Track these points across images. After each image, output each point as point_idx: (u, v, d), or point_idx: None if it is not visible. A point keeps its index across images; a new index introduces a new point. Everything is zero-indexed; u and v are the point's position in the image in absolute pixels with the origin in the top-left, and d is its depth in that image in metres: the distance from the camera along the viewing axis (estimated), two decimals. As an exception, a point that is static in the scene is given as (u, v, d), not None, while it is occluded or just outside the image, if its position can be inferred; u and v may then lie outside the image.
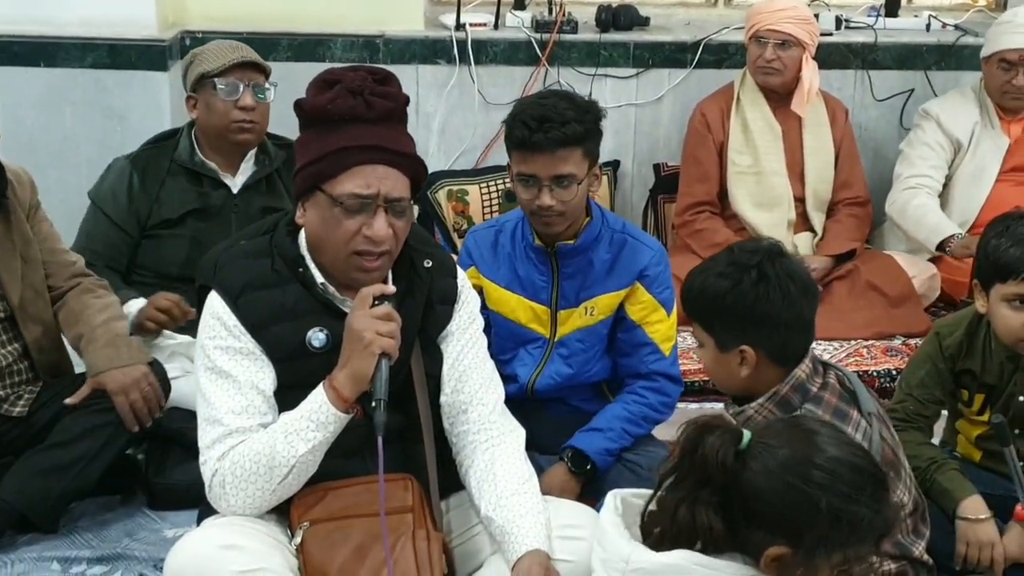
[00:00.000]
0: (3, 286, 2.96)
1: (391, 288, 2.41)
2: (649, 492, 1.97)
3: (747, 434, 1.82)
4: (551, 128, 2.89)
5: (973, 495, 2.81)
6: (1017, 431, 2.84)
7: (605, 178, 4.57)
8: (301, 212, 2.43)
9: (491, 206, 4.52)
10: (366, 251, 2.37)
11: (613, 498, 1.95)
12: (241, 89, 3.46)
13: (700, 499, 1.81)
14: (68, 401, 2.93)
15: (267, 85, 3.51)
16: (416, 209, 2.50)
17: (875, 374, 3.85)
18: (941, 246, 4.17)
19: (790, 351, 2.38)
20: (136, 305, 3.31)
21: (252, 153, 3.58)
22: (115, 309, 3.10)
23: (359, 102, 2.33)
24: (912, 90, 4.76)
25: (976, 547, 2.79)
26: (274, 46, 4.42)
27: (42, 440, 2.94)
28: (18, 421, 3.00)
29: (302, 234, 2.47)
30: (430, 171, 4.49)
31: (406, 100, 2.44)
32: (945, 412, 3.05)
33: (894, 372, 3.80)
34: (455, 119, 4.65)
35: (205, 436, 2.40)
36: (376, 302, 2.35)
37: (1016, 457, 2.47)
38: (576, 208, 2.97)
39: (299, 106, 2.41)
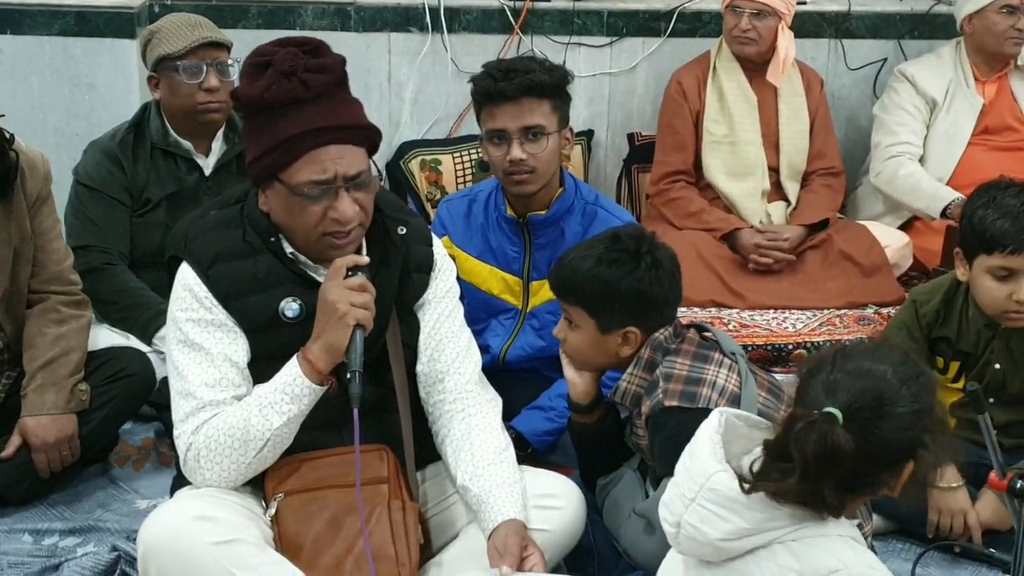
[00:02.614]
0: None
1: (365, 259, 2.40)
2: (754, 418, 2.00)
3: (834, 411, 1.81)
4: (515, 76, 2.95)
5: (946, 464, 2.83)
6: (992, 399, 2.86)
7: (579, 147, 4.57)
8: (263, 200, 2.41)
9: (464, 176, 4.50)
10: (336, 231, 2.36)
11: (719, 415, 1.95)
12: (205, 70, 3.40)
13: (819, 483, 1.82)
14: (3, 454, 2.89)
15: (230, 61, 3.45)
16: (382, 176, 2.48)
17: (848, 343, 3.86)
18: (943, 212, 4.16)
19: (662, 327, 2.52)
20: None
21: (220, 132, 3.55)
22: (68, 341, 2.98)
23: (295, 84, 2.29)
24: (885, 59, 4.77)
25: (948, 515, 2.82)
26: (243, 14, 4.37)
27: (13, 422, 2.93)
28: None
29: None
30: (403, 141, 4.53)
31: (341, 64, 2.38)
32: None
33: (867, 341, 3.81)
34: (428, 88, 4.62)
35: (179, 410, 2.39)
36: (350, 273, 2.35)
37: (991, 425, 2.47)
38: (548, 166, 2.99)
39: (235, 97, 2.39)
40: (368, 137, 2.41)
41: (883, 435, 1.82)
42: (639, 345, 2.51)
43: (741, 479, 1.85)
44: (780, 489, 1.81)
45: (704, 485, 1.86)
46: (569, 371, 2.64)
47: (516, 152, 2.95)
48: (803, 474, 1.79)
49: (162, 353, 3.06)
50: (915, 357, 1.94)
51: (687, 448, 1.95)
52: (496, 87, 2.95)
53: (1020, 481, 2.39)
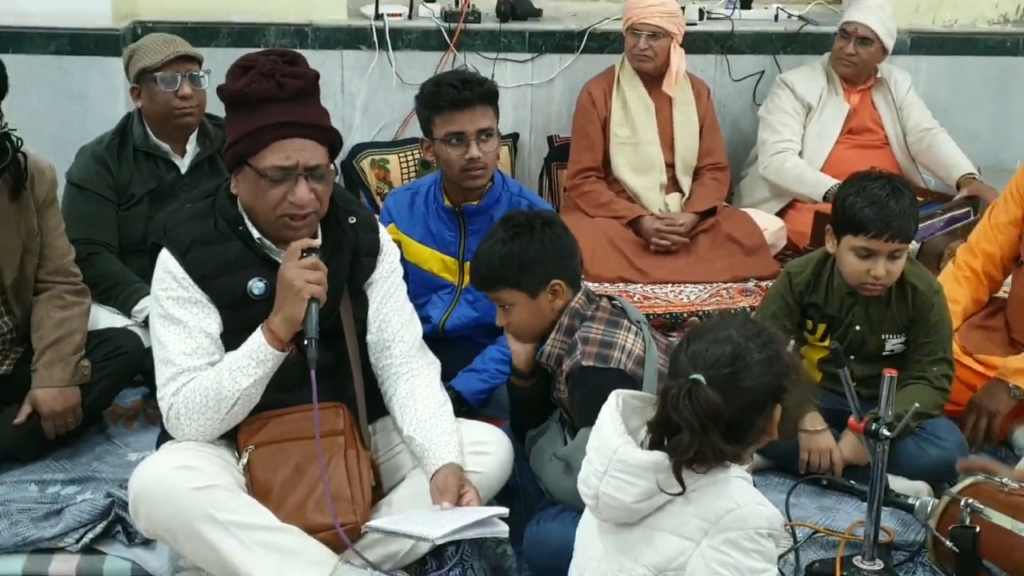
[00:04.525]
0: (1, 267, 2.84)
1: (316, 241, 2.40)
2: (648, 396, 1.98)
3: (697, 376, 1.82)
4: (475, 86, 2.96)
5: (812, 411, 2.87)
6: (852, 356, 2.90)
7: (506, 148, 4.56)
8: (234, 184, 2.39)
9: (408, 172, 4.48)
10: (292, 214, 2.34)
11: (616, 397, 1.95)
12: (179, 80, 3.36)
13: (708, 437, 1.80)
14: (16, 422, 2.84)
15: (201, 73, 3.41)
16: (337, 173, 2.47)
17: (733, 311, 3.90)
18: (824, 195, 4.22)
19: (577, 273, 2.54)
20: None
21: (194, 136, 3.50)
22: (71, 324, 2.93)
23: (272, 84, 2.29)
24: (763, 72, 4.80)
25: (816, 454, 2.86)
26: (215, 34, 4.34)
27: (22, 392, 2.87)
28: (2, 377, 2.92)
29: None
30: (355, 143, 4.51)
31: (315, 76, 2.39)
32: (793, 341, 3.10)
33: (748, 309, 3.85)
34: (376, 98, 4.60)
35: (161, 375, 2.37)
36: (304, 254, 2.33)
37: (850, 377, 2.51)
38: (495, 162, 3.03)
39: (220, 91, 2.38)
40: (328, 138, 2.40)
41: (746, 384, 1.83)
42: (567, 298, 2.50)
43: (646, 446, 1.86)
44: (680, 453, 1.80)
45: (612, 458, 1.85)
46: (514, 345, 2.62)
47: (474, 151, 2.94)
48: (692, 434, 1.78)
49: (143, 325, 3.04)
50: (755, 319, 1.96)
51: (594, 429, 1.94)
52: (460, 95, 2.93)
53: (875, 424, 2.44)
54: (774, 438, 1.91)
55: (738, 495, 1.84)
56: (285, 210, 2.34)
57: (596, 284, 3.86)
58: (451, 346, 3.05)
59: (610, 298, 2.60)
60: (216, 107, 3.47)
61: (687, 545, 1.83)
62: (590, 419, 2.00)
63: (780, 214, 4.44)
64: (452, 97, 2.94)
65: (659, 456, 1.83)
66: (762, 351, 1.85)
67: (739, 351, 1.84)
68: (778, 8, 4.95)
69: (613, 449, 1.86)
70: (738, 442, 1.84)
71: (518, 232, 2.49)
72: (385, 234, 2.62)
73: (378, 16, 4.52)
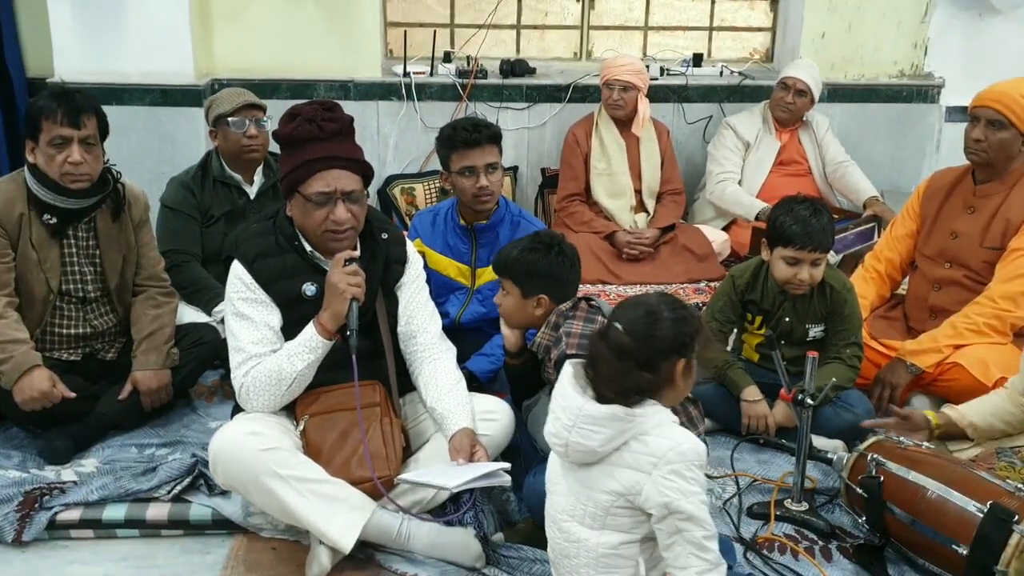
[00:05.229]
0: (106, 274, 2.85)
1: (356, 252, 2.39)
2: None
3: (616, 324, 1.85)
4: (483, 128, 2.94)
5: (751, 384, 2.87)
6: (783, 341, 2.89)
7: (508, 178, 4.55)
8: (289, 208, 2.39)
9: (430, 198, 4.48)
10: (334, 230, 2.33)
11: (569, 365, 1.95)
12: (247, 124, 3.37)
13: (623, 366, 1.84)
14: (120, 398, 2.82)
15: (265, 118, 3.41)
16: (368, 197, 2.45)
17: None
18: (757, 215, 4.22)
19: (565, 298, 2.49)
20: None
21: (260, 168, 3.49)
22: (162, 319, 2.91)
23: (313, 127, 2.29)
24: (711, 116, 4.80)
25: (755, 419, 2.85)
26: (276, 88, 4.33)
27: (124, 374, 2.86)
28: (109, 363, 2.92)
29: None
30: (388, 175, 4.51)
31: (349, 120, 2.37)
32: (736, 330, 3.10)
33: (700, 305, 3.83)
34: (405, 139, 4.59)
35: (233, 360, 2.37)
36: (346, 263, 2.32)
37: (781, 358, 2.50)
38: (499, 189, 3.00)
39: (275, 135, 2.38)
40: (361, 169, 2.38)
41: (657, 333, 1.84)
42: (548, 310, 2.49)
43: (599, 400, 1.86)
44: (604, 380, 1.83)
45: (579, 414, 1.85)
46: (505, 330, 2.61)
47: (483, 181, 2.93)
48: (607, 364, 1.82)
49: (221, 323, 3.03)
50: (672, 296, 1.96)
51: (555, 392, 1.93)
52: (472, 137, 2.91)
53: (801, 395, 2.43)
54: (679, 386, 1.89)
55: (676, 435, 1.86)
56: (327, 227, 2.33)
57: (581, 285, 3.83)
58: (465, 335, 3.04)
59: (588, 300, 2.58)
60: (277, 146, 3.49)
61: (641, 476, 1.83)
62: None
63: (725, 229, 4.43)
64: (465, 138, 2.93)
65: (615, 408, 1.84)
66: (672, 313, 1.86)
67: (652, 309, 1.87)
68: (723, 66, 4.94)
69: (579, 407, 1.85)
70: (653, 369, 1.84)
71: (537, 247, 2.48)
72: (411, 247, 2.61)
73: (406, 74, 4.51)
